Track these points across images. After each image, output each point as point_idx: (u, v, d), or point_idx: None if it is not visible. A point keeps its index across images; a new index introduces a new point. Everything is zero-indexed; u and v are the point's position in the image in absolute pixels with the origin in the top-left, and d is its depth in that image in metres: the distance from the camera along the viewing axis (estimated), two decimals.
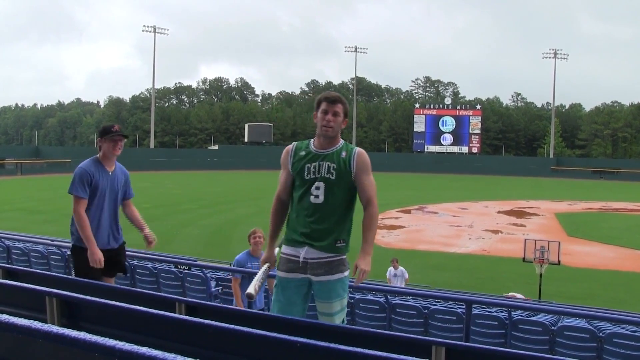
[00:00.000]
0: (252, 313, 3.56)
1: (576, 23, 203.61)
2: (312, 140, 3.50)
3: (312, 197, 3.35)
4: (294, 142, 3.55)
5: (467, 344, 3.78)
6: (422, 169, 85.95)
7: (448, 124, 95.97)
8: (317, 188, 3.34)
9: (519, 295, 15.85)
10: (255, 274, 5.98)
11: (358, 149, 3.44)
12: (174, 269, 8.45)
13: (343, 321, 3.52)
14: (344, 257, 3.43)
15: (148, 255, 8.73)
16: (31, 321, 1.66)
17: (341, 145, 3.44)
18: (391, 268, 13.97)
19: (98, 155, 4.64)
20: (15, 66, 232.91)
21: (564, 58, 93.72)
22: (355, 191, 3.42)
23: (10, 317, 1.68)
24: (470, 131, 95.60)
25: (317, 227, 3.35)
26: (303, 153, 3.43)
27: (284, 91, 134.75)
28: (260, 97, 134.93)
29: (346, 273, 3.43)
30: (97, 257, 4.38)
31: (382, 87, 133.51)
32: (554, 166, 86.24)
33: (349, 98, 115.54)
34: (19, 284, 3.30)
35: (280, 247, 3.59)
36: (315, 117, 3.44)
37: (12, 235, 11.77)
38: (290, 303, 3.41)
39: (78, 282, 4.13)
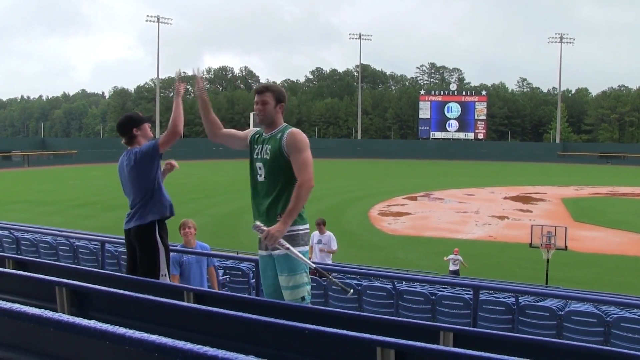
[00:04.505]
0: (259, 301, 3.58)
1: (576, 8, 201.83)
2: None
3: (258, 177, 3.75)
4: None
5: (475, 329, 3.79)
6: (427, 155, 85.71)
7: (453, 110, 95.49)
8: (260, 168, 3.73)
9: (454, 257, 16.63)
10: (191, 265, 6.37)
11: (291, 130, 3.71)
12: None
13: (303, 299, 3.65)
14: (292, 233, 3.59)
15: None
16: (42, 310, 1.67)
17: (281, 128, 3.76)
18: (316, 232, 10.48)
19: (137, 145, 4.65)
20: (21, 58, 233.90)
21: (570, 42, 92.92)
22: (291, 170, 3.65)
23: (22, 307, 1.70)
24: (476, 117, 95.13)
25: (261, 203, 3.71)
26: (257, 136, 3.86)
27: (289, 79, 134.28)
28: None
29: (296, 249, 3.56)
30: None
31: (387, 74, 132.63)
32: (560, 151, 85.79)
33: (354, 85, 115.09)
34: (29, 274, 3.32)
35: None
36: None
37: (20, 226, 11.85)
38: (264, 277, 3.85)
39: (87, 272, 4.16)
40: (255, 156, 3.78)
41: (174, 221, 5.22)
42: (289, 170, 3.63)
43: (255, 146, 3.80)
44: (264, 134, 3.81)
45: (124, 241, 4.88)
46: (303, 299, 3.65)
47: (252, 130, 3.96)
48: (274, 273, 3.71)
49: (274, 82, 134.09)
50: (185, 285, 5.26)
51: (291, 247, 3.51)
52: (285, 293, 3.63)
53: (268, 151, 3.68)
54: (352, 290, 3.72)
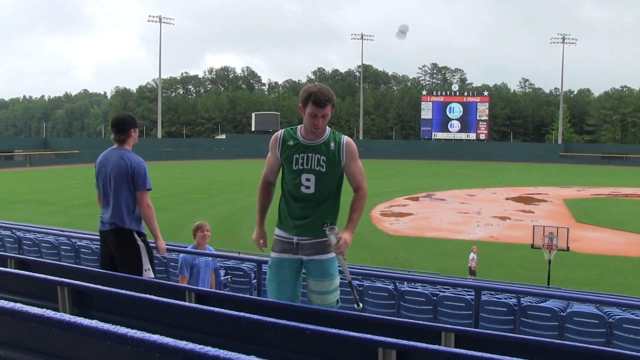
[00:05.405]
0: (261, 301, 3.58)
1: (578, 8, 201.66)
2: (299, 128, 3.49)
3: (302, 188, 3.41)
4: (281, 130, 3.55)
5: (477, 330, 3.79)
6: (429, 156, 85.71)
7: (455, 110, 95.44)
8: (308, 180, 3.39)
9: (474, 255, 17.02)
10: (200, 269, 6.25)
11: (346, 139, 3.46)
12: None
13: (337, 302, 3.61)
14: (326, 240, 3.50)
15: None
16: (44, 310, 1.67)
17: (328, 135, 3.43)
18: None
19: (127, 146, 4.70)
20: (23, 58, 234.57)
21: (573, 43, 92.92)
22: (343, 177, 3.51)
23: (24, 306, 1.70)
24: (478, 118, 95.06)
25: (308, 214, 3.44)
26: (291, 143, 3.43)
27: (291, 79, 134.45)
28: (267, 86, 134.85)
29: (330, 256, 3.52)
30: (164, 246, 4.76)
31: (389, 74, 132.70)
32: (562, 152, 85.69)
33: (356, 86, 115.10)
34: (31, 274, 3.32)
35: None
36: (302, 110, 3.37)
37: (22, 226, 11.86)
38: (284, 282, 3.54)
39: (88, 272, 4.16)
40: (300, 167, 3.39)
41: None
42: (339, 180, 3.49)
43: (297, 155, 3.40)
44: (302, 139, 3.41)
45: None
46: (338, 302, 3.60)
47: (276, 141, 3.49)
48: (295, 277, 3.54)
49: (276, 82, 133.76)
50: (187, 285, 5.27)
51: (345, 257, 3.46)
52: (320, 297, 3.52)
53: (323, 162, 3.37)
54: (362, 306, 3.65)
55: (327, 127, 3.45)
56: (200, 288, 4.46)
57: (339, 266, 3.59)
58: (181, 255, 6.42)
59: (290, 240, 3.49)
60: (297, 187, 3.43)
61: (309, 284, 3.55)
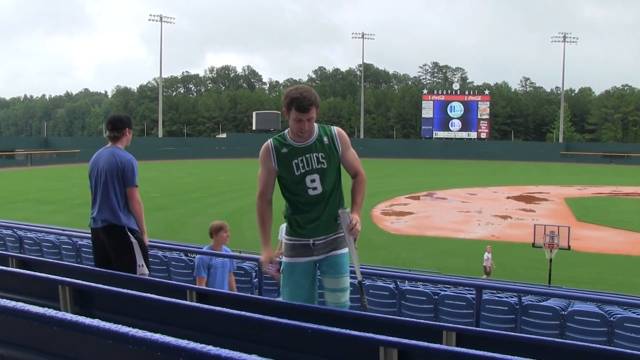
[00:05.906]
0: (262, 300, 3.58)
1: (579, 7, 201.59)
2: (286, 133, 3.43)
3: (309, 190, 3.38)
4: (268, 141, 3.44)
5: (478, 329, 3.79)
6: (430, 155, 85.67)
7: (456, 109, 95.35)
8: (313, 180, 3.36)
9: (488, 255, 17.15)
10: (217, 270, 6.17)
11: (336, 129, 3.47)
12: (184, 257, 8.49)
13: (347, 302, 3.58)
14: (338, 236, 3.51)
15: (158, 244, 8.78)
16: (45, 309, 1.67)
17: (318, 132, 3.40)
18: (284, 225, 8.38)
19: (120, 145, 4.75)
20: (24, 58, 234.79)
21: (573, 42, 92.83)
22: (340, 167, 3.50)
23: (25, 305, 1.70)
24: (479, 117, 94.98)
25: (319, 214, 3.42)
26: (285, 151, 3.37)
27: (291, 79, 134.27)
28: (268, 85, 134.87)
29: (344, 251, 3.52)
30: (147, 242, 4.84)
31: (390, 73, 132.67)
32: (563, 151, 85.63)
33: (357, 85, 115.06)
34: (32, 273, 3.33)
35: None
36: (286, 114, 3.30)
37: (24, 225, 11.88)
38: (299, 286, 3.48)
39: (89, 271, 4.17)
40: (302, 170, 3.35)
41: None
42: (338, 171, 3.47)
43: (295, 160, 3.34)
44: (294, 143, 3.35)
45: None
46: (347, 302, 3.57)
47: (268, 153, 3.40)
48: (311, 280, 3.50)
49: (277, 81, 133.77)
50: (188, 285, 5.27)
51: (357, 247, 3.42)
52: (335, 295, 3.49)
53: (322, 159, 3.35)
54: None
55: (315, 123, 3.38)
56: (203, 287, 4.47)
57: (351, 265, 3.56)
58: (197, 256, 6.41)
59: (307, 242, 3.46)
60: (303, 191, 3.38)
61: (324, 282, 3.52)
